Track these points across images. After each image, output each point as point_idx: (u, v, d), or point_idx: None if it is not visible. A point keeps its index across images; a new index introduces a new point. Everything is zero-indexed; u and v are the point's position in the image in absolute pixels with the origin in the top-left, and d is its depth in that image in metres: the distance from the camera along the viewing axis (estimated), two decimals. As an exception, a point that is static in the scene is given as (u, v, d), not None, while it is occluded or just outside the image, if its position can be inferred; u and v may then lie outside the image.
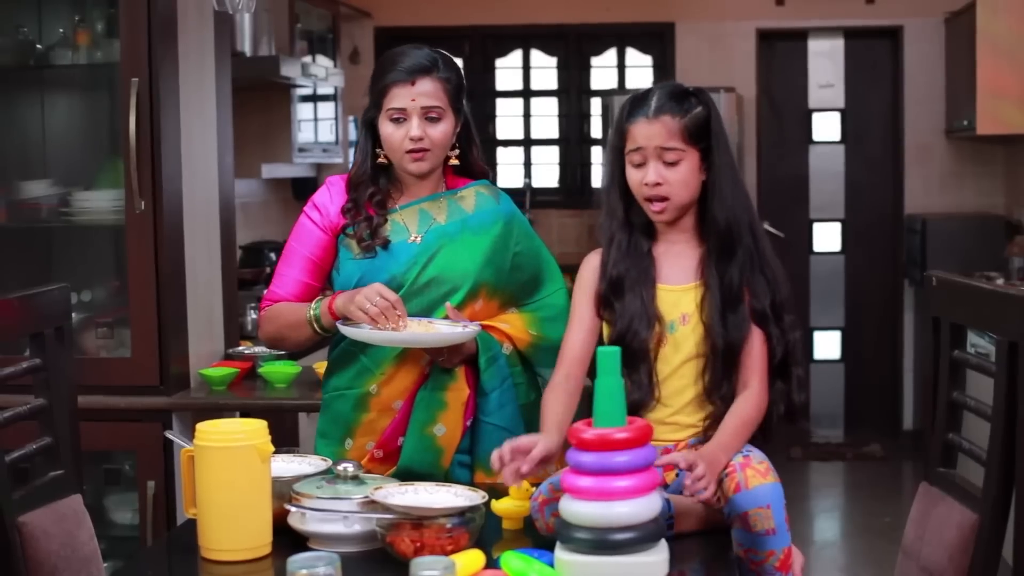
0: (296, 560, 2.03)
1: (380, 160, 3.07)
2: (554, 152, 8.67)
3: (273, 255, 6.58)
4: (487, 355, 3.03)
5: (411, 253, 3.04)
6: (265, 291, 3.18)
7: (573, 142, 8.63)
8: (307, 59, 6.93)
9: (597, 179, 8.51)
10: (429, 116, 2.99)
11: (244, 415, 4.21)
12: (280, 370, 4.34)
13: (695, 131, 2.74)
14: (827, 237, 8.61)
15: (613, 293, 2.79)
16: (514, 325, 3.11)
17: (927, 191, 8.23)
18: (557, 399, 2.75)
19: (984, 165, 8.12)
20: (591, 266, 2.86)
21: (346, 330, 2.92)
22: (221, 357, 4.54)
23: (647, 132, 2.74)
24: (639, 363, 2.73)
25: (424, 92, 2.98)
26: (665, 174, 2.74)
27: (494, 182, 3.24)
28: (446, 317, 2.99)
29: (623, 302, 2.77)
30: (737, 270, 2.75)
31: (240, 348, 4.64)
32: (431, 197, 3.10)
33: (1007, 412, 2.33)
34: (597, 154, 8.53)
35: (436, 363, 3.00)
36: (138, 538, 4.18)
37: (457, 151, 3.10)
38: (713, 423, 2.77)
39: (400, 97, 2.97)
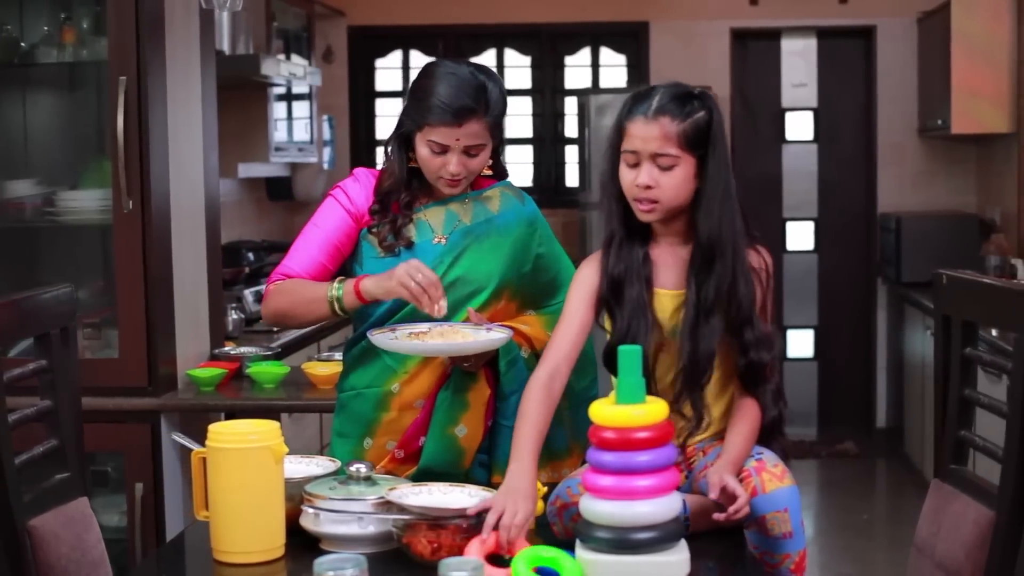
0: (323, 562, 2.01)
1: (412, 164, 3.03)
2: (528, 151, 8.65)
3: (251, 255, 6.54)
4: (507, 358, 3.00)
5: (436, 253, 3.01)
6: (277, 265, 3.08)
7: (548, 141, 8.62)
8: (280, 57, 6.89)
9: (572, 178, 8.51)
10: (470, 152, 2.95)
11: (229, 416, 4.19)
12: (268, 371, 4.32)
13: (693, 137, 2.65)
14: (800, 236, 8.64)
15: (613, 295, 2.74)
16: (534, 327, 3.08)
17: (900, 190, 8.27)
18: (539, 403, 2.67)
19: (956, 164, 8.16)
20: (590, 267, 2.81)
21: (377, 340, 2.86)
22: (207, 358, 4.51)
23: (644, 134, 2.65)
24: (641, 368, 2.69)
25: (469, 133, 2.92)
26: (658, 177, 2.66)
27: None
28: (467, 320, 2.97)
29: (622, 306, 2.73)
30: (714, 285, 2.68)
31: (226, 348, 4.62)
32: (458, 198, 3.06)
33: (1024, 409, 2.34)
34: (572, 153, 8.52)
35: (459, 366, 2.98)
36: (125, 540, 4.14)
37: (490, 161, 3.06)
38: (689, 438, 2.74)
39: (443, 135, 2.91)
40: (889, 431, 8.26)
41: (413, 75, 9.09)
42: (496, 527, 2.41)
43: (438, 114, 2.90)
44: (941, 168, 8.21)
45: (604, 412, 2.34)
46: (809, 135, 8.60)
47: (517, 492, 2.48)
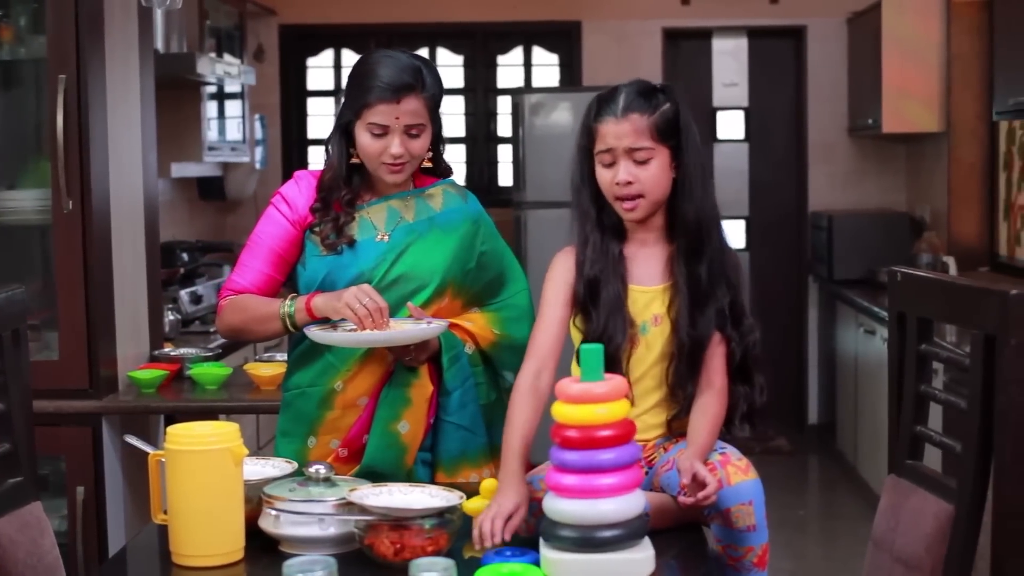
0: (292, 564, 2.01)
1: (354, 160, 3.04)
2: (461, 151, 8.63)
3: (186, 255, 6.48)
4: (450, 354, 3.01)
5: (379, 251, 3.02)
6: (225, 280, 3.13)
7: (480, 140, 8.60)
8: (212, 55, 6.83)
9: (505, 177, 8.50)
10: (410, 133, 2.96)
11: (170, 418, 4.15)
12: (210, 372, 4.28)
13: (664, 128, 2.74)
14: (732, 235, 8.65)
15: (589, 295, 2.77)
16: (478, 324, 3.10)
17: (831, 189, 8.35)
18: (524, 408, 2.66)
19: (886, 163, 8.25)
20: (564, 263, 2.83)
21: (314, 334, 2.89)
22: (147, 359, 4.46)
23: (616, 132, 2.72)
24: (613, 367, 2.68)
25: (408, 111, 2.93)
26: (636, 172, 2.73)
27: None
28: (409, 316, 2.96)
29: (598, 306, 2.75)
30: (705, 268, 2.77)
31: (166, 350, 4.57)
32: (400, 195, 3.08)
33: (983, 405, 2.36)
34: (504, 152, 8.52)
35: (401, 361, 2.98)
36: (66, 545, 4.08)
37: (431, 154, 3.08)
38: (675, 420, 2.79)
39: (383, 114, 2.93)
40: (821, 427, 8.35)
41: (345, 74, 9.06)
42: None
43: (377, 93, 2.93)
44: (872, 167, 8.30)
45: (567, 411, 2.34)
46: (740, 134, 8.65)
47: (503, 494, 2.49)
